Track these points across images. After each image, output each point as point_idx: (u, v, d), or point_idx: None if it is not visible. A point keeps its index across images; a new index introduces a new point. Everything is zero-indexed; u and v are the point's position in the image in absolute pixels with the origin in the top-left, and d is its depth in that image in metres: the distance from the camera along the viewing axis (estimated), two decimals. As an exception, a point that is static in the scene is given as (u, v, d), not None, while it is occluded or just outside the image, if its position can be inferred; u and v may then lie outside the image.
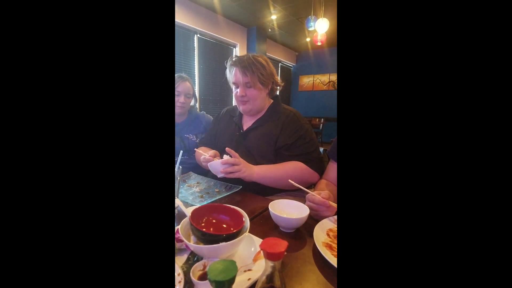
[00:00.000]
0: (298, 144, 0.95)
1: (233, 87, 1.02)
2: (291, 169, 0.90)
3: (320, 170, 0.95)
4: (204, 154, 0.91)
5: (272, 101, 1.07)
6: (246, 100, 0.99)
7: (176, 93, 1.23)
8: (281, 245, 0.31)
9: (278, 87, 1.06)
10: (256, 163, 0.93)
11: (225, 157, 0.84)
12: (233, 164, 0.82)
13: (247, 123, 1.06)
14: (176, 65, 3.79)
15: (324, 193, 0.66)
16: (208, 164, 0.86)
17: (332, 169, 0.92)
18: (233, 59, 0.99)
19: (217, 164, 0.83)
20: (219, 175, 0.83)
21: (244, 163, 0.84)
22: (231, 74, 0.99)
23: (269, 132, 0.98)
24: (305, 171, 0.91)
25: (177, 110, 1.27)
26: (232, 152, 0.84)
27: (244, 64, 0.94)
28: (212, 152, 0.93)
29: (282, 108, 1.05)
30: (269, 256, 0.31)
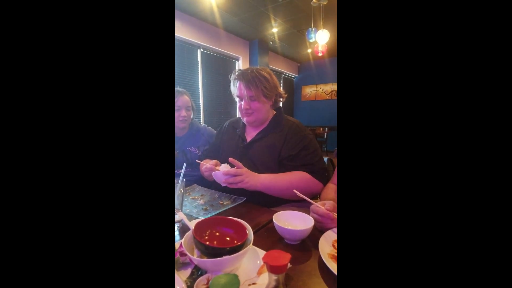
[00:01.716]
0: (301, 154, 0.95)
1: (237, 100, 1.04)
2: (296, 179, 0.89)
3: (325, 180, 0.95)
4: (205, 164, 0.92)
5: (275, 112, 1.09)
6: (251, 112, 1.00)
7: (176, 107, 1.24)
8: (284, 257, 0.31)
9: (282, 99, 1.08)
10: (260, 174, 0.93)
11: (224, 166, 0.84)
12: (235, 175, 0.82)
13: (250, 135, 1.07)
14: (180, 79, 3.87)
15: (329, 204, 0.65)
16: (212, 174, 0.86)
17: None
18: (237, 73, 1.01)
19: (220, 174, 0.83)
20: (223, 185, 0.84)
21: (247, 173, 0.84)
22: (235, 87, 1.01)
23: (272, 143, 0.99)
24: (310, 182, 0.90)
25: (180, 124, 1.28)
26: (235, 162, 0.84)
27: (248, 78, 0.96)
28: (213, 161, 0.93)
29: (285, 119, 1.06)
30: (272, 269, 0.30)
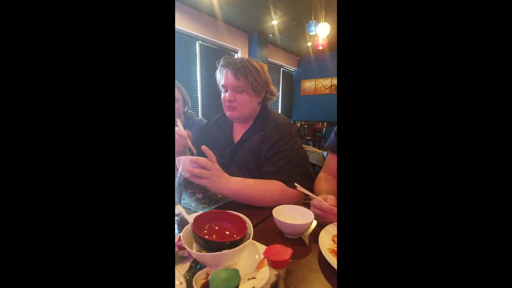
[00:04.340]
0: (276, 158, 0.85)
1: (222, 90, 0.94)
2: (270, 190, 0.79)
3: (305, 188, 0.83)
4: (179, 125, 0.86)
5: (260, 108, 0.98)
6: (234, 106, 0.90)
7: None
8: (286, 252, 0.30)
9: (273, 97, 0.97)
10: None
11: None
12: (203, 167, 0.70)
13: (237, 135, 0.98)
14: (178, 71, 3.83)
15: (331, 198, 0.65)
16: (177, 159, 0.72)
17: (332, 161, 0.91)
18: (226, 60, 0.90)
19: (186, 161, 0.69)
20: (186, 175, 0.69)
21: (217, 171, 0.72)
22: (222, 75, 0.90)
23: (254, 145, 0.90)
24: (286, 194, 0.80)
25: None
26: (209, 152, 0.72)
27: (237, 67, 0.86)
28: (184, 132, 0.85)
29: (270, 116, 0.96)
30: (273, 264, 0.30)
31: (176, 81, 1.28)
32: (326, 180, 0.87)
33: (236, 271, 0.28)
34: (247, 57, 0.93)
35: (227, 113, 0.94)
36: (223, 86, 0.92)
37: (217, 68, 0.94)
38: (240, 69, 0.86)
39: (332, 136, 0.94)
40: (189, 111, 1.39)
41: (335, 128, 0.95)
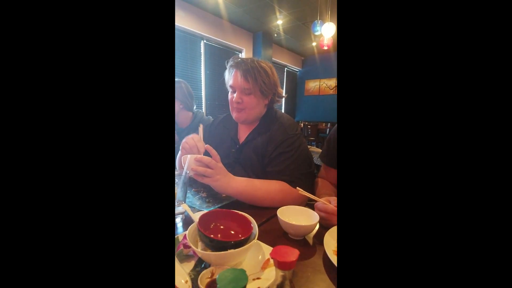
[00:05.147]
0: (280, 159, 0.84)
1: (230, 90, 0.92)
2: (274, 191, 0.79)
3: (309, 189, 0.82)
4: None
5: (266, 109, 0.97)
6: (242, 108, 0.89)
7: None
8: (293, 253, 0.30)
9: (279, 99, 0.96)
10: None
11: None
12: (207, 166, 0.70)
13: (243, 135, 0.98)
14: (182, 70, 3.84)
15: (334, 200, 0.64)
16: (182, 157, 0.74)
17: (326, 172, 0.93)
18: (236, 60, 0.89)
19: (191, 159, 0.70)
20: (190, 173, 0.70)
21: (221, 170, 0.72)
22: (230, 75, 0.90)
23: (259, 145, 0.90)
24: (289, 195, 0.78)
25: None
26: (213, 151, 0.73)
27: (246, 68, 0.85)
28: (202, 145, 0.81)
29: (275, 117, 0.95)
30: (280, 265, 0.30)
31: (180, 80, 1.29)
32: (325, 185, 0.88)
33: (243, 271, 0.28)
34: (257, 58, 0.92)
35: (234, 115, 0.93)
36: (231, 86, 0.91)
37: (221, 68, 0.94)
38: (250, 71, 0.85)
39: (325, 145, 0.95)
40: (198, 110, 1.41)
41: (328, 137, 0.96)
